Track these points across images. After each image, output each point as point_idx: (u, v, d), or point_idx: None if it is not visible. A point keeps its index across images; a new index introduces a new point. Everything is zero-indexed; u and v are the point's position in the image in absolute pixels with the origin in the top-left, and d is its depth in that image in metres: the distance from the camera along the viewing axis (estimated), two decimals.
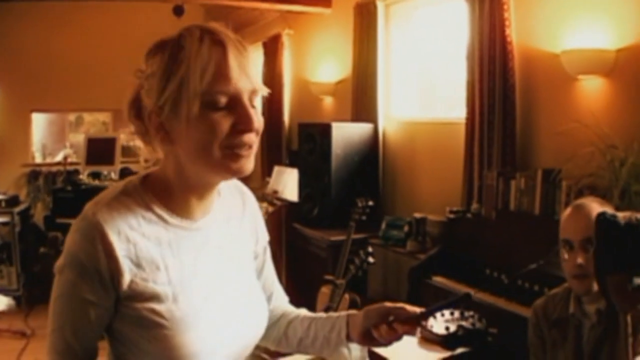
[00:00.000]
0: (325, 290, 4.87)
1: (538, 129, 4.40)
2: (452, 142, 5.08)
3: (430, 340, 3.10)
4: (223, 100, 1.30)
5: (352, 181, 5.76)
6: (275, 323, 1.73)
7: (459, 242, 4.32)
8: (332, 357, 1.64)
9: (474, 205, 4.42)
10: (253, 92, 1.34)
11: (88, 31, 9.34)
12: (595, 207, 2.36)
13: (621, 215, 1.59)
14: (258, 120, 1.34)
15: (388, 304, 1.52)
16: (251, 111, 1.32)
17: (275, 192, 6.98)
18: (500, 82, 4.47)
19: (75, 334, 1.34)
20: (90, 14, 9.06)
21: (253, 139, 1.34)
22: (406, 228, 5.07)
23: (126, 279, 1.31)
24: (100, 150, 7.73)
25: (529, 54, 4.46)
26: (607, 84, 3.95)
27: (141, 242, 1.34)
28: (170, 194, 1.41)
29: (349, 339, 1.59)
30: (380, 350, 2.89)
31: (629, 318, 1.67)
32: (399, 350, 2.77)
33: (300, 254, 5.96)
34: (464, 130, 4.82)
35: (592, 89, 4.04)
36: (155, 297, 1.33)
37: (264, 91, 1.38)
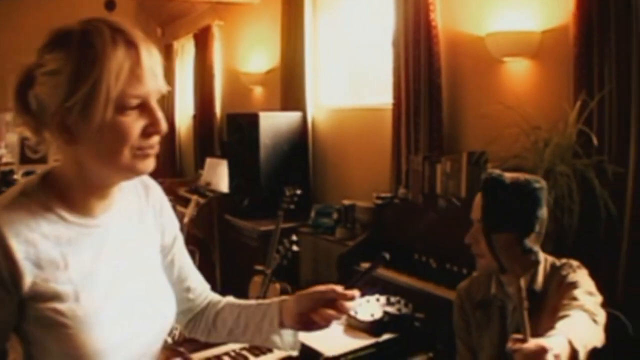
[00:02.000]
0: (257, 279, 4.67)
1: (465, 113, 4.26)
2: (380, 128, 4.91)
3: (356, 327, 2.91)
4: (135, 103, 1.26)
5: (282, 170, 5.54)
6: (201, 314, 1.68)
7: (386, 227, 4.15)
8: (265, 345, 1.64)
9: (401, 190, 4.24)
10: (158, 93, 1.31)
11: (20, 27, 8.91)
12: None
13: (508, 175, 1.43)
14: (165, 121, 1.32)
15: (320, 288, 1.50)
16: (160, 113, 1.30)
17: (209, 184, 6.75)
18: (425, 66, 4.31)
19: None
20: (22, 10, 8.67)
21: (158, 139, 1.32)
22: (335, 215, 4.89)
23: (27, 280, 1.26)
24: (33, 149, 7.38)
25: (455, 37, 4.31)
26: (533, 65, 3.84)
27: (41, 243, 1.28)
28: (69, 192, 1.35)
29: (282, 325, 1.55)
30: (304, 339, 2.73)
31: (522, 282, 1.51)
32: (323, 337, 2.46)
33: (233, 245, 5.73)
34: (391, 116, 4.65)
35: (518, 71, 3.92)
36: (57, 297, 1.29)
37: (165, 90, 1.34)
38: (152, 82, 1.28)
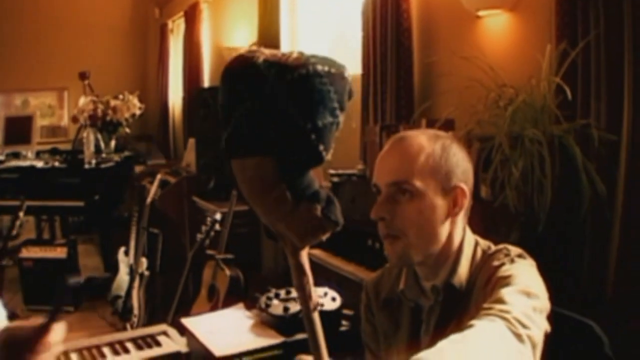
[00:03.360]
0: (210, 264, 3.95)
1: (439, 77, 3.44)
2: (353, 100, 4.11)
3: (266, 322, 2.18)
4: None
5: None
6: None
7: (342, 209, 3.36)
8: None
9: (359, 166, 3.45)
10: None
11: (19, 13, 8.34)
12: (422, 141, 1.43)
13: (268, 52, 0.68)
14: None
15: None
16: None
17: (189, 165, 6.03)
18: (393, 27, 3.50)
19: None
20: None
21: None
22: None
23: None
24: (17, 129, 6.87)
25: None
26: (512, 19, 3.03)
27: None
28: None
29: None
30: (196, 331, 2.11)
31: (303, 257, 0.76)
32: (220, 332, 2.10)
33: (199, 229, 5.00)
34: (360, 87, 3.86)
35: (496, 26, 3.12)
36: None
37: None
38: None
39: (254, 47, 0.74)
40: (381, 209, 1.40)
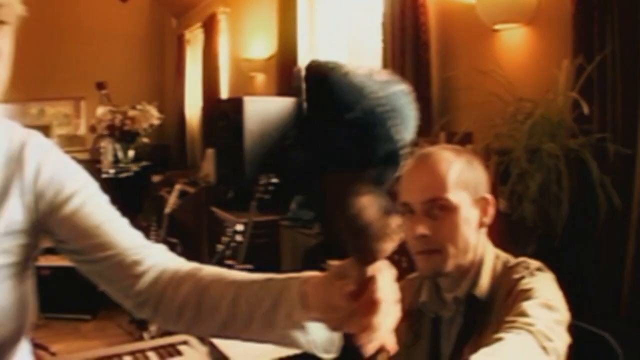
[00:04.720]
0: None
1: (457, 91, 3.51)
2: None
3: None
4: None
5: (270, 159, 4.84)
6: (161, 296, 1.10)
7: None
8: (280, 344, 1.04)
9: None
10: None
11: (31, 19, 8.49)
12: (449, 156, 1.50)
13: (351, 69, 0.73)
14: None
15: None
16: None
17: (207, 175, 6.12)
18: (411, 39, 3.57)
19: None
20: (39, 3, 8.28)
21: None
22: None
23: None
24: None
25: (445, 7, 3.59)
26: (529, 33, 3.10)
27: None
28: None
29: (308, 315, 0.96)
30: (218, 343, 2.13)
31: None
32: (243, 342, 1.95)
33: (219, 238, 5.08)
34: None
35: (513, 40, 3.18)
36: None
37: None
38: None
39: (332, 60, 0.79)
40: (422, 227, 1.45)
